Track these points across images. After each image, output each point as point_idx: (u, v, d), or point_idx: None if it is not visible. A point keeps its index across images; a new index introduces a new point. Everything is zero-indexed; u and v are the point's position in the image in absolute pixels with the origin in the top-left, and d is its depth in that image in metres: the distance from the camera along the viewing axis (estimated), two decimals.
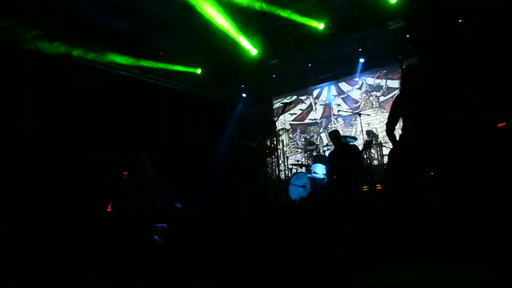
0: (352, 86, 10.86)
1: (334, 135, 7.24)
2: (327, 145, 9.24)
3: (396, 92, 9.87)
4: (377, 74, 10.44)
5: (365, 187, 7.20)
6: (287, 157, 11.03)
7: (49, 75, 8.64)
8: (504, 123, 5.51)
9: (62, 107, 8.66)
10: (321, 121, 11.22)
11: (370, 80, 10.51)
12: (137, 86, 10.78)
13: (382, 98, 10.26)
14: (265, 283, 2.56)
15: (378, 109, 10.13)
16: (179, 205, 9.13)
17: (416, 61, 4.32)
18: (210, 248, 2.74)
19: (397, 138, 4.57)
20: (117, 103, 9.60)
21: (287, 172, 10.46)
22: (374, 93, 10.39)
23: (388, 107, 9.92)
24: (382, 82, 10.31)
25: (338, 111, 10.05)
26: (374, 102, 10.31)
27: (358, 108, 10.14)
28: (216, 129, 11.88)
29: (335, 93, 11.15)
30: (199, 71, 11.03)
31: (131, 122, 10.06)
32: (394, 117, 4.57)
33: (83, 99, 9.08)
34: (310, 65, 10.99)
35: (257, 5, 8.32)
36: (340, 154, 6.98)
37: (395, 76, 9.86)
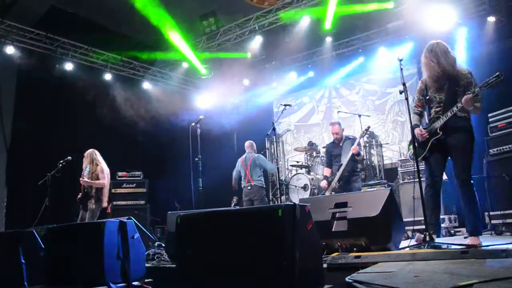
0: (350, 90, 10.88)
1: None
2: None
3: (390, 96, 9.94)
4: (373, 79, 10.47)
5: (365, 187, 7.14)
6: (287, 159, 11.03)
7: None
8: (504, 124, 5.51)
9: None
10: (323, 123, 11.22)
11: (367, 85, 10.54)
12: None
13: (377, 102, 10.28)
14: None
15: (374, 111, 10.16)
16: (178, 205, 9.13)
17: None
18: None
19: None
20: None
21: (287, 173, 10.44)
22: (370, 97, 10.42)
23: (383, 110, 10.09)
24: (378, 87, 10.33)
25: (338, 112, 10.03)
26: (370, 106, 10.34)
27: (356, 111, 10.13)
28: None
29: (335, 96, 11.16)
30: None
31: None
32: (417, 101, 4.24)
33: None
34: (310, 66, 11.03)
35: None
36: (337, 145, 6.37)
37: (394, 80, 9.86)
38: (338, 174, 6.04)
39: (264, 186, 7.67)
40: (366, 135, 6.31)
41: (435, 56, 3.94)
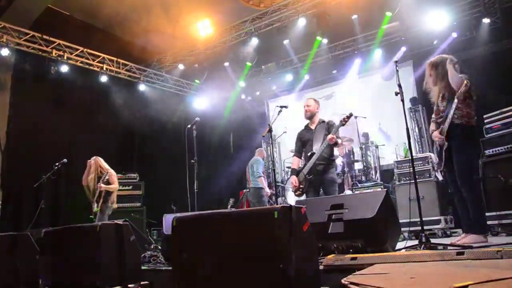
0: (346, 92, 10.93)
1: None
2: None
3: (386, 98, 9.93)
4: (369, 80, 10.49)
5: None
6: (284, 160, 11.02)
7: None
8: (499, 125, 5.53)
9: None
10: None
11: (362, 87, 10.56)
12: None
13: (373, 104, 10.29)
14: None
15: (370, 113, 10.15)
16: (174, 207, 9.11)
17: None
18: None
19: None
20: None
21: (283, 175, 10.44)
22: (366, 98, 10.44)
23: (379, 111, 10.02)
24: (373, 88, 10.35)
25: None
26: (366, 107, 10.32)
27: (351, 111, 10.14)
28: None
29: (331, 98, 11.18)
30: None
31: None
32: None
33: None
34: (306, 68, 11.07)
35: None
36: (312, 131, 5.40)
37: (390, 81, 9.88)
38: (309, 165, 5.14)
39: (262, 187, 7.63)
40: (347, 123, 5.24)
41: (432, 68, 4.20)
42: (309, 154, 5.19)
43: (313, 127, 5.41)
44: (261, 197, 7.59)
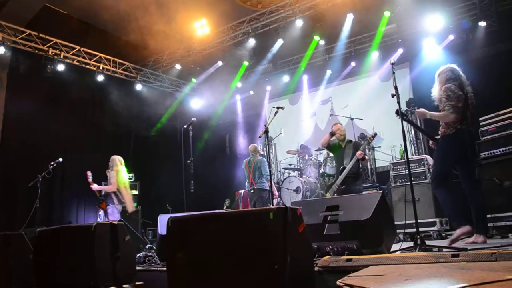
0: (342, 93, 10.94)
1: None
2: (319, 149, 9.22)
3: (382, 99, 9.94)
4: (365, 82, 10.51)
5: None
6: (280, 161, 11.02)
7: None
8: (494, 128, 5.55)
9: None
10: (315, 125, 11.24)
11: (359, 88, 10.58)
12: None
13: (369, 105, 10.27)
14: None
15: (366, 114, 10.13)
16: (169, 207, 9.09)
17: None
18: None
19: None
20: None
21: (279, 176, 10.44)
22: (362, 100, 10.43)
23: (375, 112, 10.01)
24: (370, 90, 10.36)
25: (331, 115, 10.06)
26: (362, 108, 10.30)
27: (348, 114, 10.14)
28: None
29: (328, 99, 11.20)
30: None
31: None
32: None
33: None
34: (302, 69, 11.07)
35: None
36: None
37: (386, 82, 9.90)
38: (341, 177, 6.10)
39: (267, 188, 7.57)
40: (373, 142, 6.42)
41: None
42: (340, 168, 6.16)
43: (343, 145, 6.36)
44: (267, 199, 7.50)
